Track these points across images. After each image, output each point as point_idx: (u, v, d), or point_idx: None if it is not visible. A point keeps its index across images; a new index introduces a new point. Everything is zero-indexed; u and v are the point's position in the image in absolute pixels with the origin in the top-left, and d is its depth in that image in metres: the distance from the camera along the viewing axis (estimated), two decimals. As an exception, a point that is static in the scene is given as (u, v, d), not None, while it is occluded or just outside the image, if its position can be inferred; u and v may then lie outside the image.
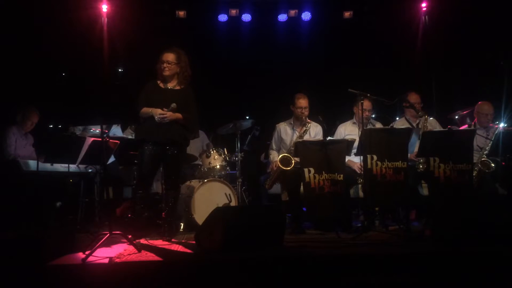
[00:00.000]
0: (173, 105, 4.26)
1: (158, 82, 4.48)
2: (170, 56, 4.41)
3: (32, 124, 5.59)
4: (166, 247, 3.99)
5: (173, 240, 4.27)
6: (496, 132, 5.05)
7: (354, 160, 5.16)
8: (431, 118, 5.34)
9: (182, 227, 5.21)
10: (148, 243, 4.08)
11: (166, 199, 4.41)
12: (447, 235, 3.78)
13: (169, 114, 4.27)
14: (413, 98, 5.29)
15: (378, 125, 5.43)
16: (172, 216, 4.47)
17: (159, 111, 4.25)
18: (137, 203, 4.34)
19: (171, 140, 4.35)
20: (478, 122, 5.45)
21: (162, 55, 4.43)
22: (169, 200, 4.41)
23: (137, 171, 4.45)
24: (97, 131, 5.00)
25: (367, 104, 5.04)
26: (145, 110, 4.32)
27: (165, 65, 4.39)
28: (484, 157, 5.03)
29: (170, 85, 4.47)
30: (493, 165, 4.96)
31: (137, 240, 4.03)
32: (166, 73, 4.41)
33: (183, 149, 4.54)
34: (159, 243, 4.13)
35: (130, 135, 5.56)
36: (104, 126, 4.39)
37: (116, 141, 4.84)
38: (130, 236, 3.87)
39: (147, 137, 4.33)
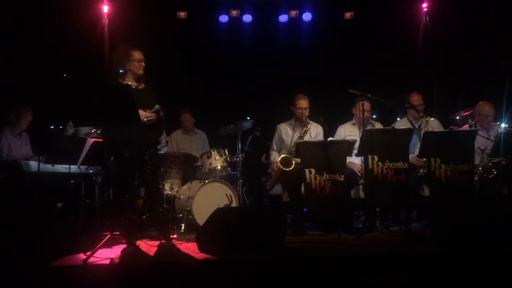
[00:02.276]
0: (157, 106, 4.09)
1: (121, 81, 4.16)
2: (141, 54, 4.22)
3: (27, 123, 5.54)
4: (167, 248, 3.99)
5: (174, 241, 4.26)
6: (497, 133, 5.04)
7: (354, 161, 5.15)
8: (433, 119, 5.33)
9: (183, 228, 5.20)
10: (149, 244, 4.07)
11: (156, 202, 4.30)
12: (448, 235, 3.78)
13: (154, 116, 4.09)
14: (416, 99, 5.25)
15: (378, 125, 5.42)
16: (165, 215, 4.39)
17: (143, 113, 3.99)
18: (124, 210, 4.15)
19: (153, 142, 4.25)
20: (479, 122, 5.43)
21: (134, 53, 4.19)
22: (159, 202, 4.31)
23: (120, 176, 4.14)
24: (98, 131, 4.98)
25: (366, 104, 5.03)
26: None
27: (143, 63, 4.20)
28: (485, 161, 5.02)
29: (133, 84, 4.19)
30: (494, 170, 4.96)
31: (137, 241, 4.02)
32: (141, 71, 4.21)
33: (157, 150, 4.44)
34: (159, 244, 4.12)
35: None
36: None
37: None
38: (130, 237, 3.87)
39: (128, 140, 4.04)
